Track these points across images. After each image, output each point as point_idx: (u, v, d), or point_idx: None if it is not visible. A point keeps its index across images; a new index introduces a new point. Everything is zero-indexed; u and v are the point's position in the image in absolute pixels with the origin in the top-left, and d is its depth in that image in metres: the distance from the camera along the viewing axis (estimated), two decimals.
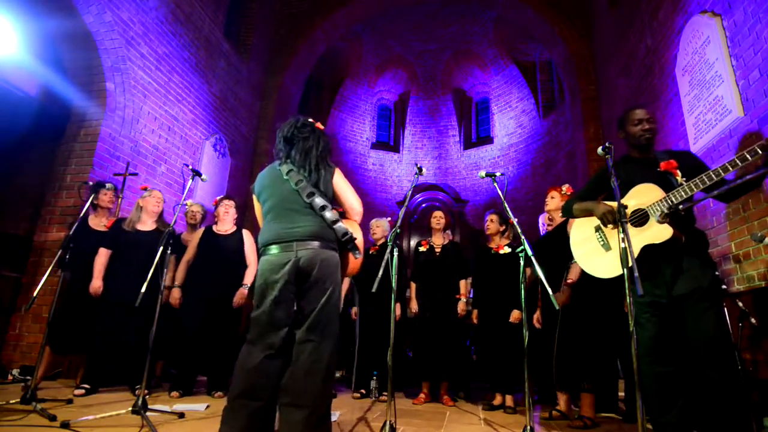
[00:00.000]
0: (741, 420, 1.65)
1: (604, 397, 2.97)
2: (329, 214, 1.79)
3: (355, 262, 1.89)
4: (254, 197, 2.00)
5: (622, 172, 2.01)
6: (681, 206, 1.76)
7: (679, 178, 1.81)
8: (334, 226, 1.79)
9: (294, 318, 1.75)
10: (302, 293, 1.75)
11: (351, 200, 1.94)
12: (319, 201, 1.79)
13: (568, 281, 2.71)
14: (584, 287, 2.77)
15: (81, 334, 3.19)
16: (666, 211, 1.80)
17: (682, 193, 1.75)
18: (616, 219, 1.69)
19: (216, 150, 5.76)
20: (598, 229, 2.04)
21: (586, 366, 2.64)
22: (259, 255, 1.84)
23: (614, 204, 1.99)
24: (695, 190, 1.73)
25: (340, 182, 1.94)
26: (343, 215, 1.95)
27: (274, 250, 1.77)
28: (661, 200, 1.81)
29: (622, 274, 1.62)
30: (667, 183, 1.85)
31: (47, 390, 3.03)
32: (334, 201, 1.94)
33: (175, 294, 3.25)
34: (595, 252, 2.02)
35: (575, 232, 2.18)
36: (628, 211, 1.92)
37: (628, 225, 1.91)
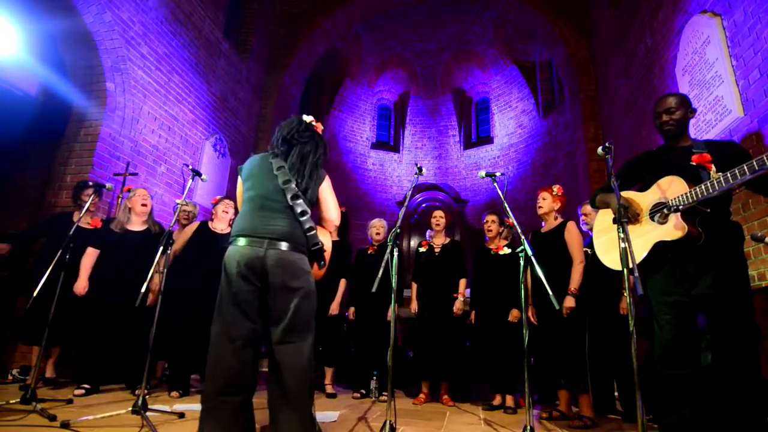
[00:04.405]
0: (756, 425, 1.64)
1: (601, 397, 2.98)
2: (307, 221, 1.78)
3: (316, 271, 1.88)
4: (239, 179, 1.98)
5: (655, 162, 1.99)
6: (682, 207, 1.75)
7: (712, 173, 1.73)
8: (308, 234, 1.79)
9: (264, 317, 1.74)
10: (271, 294, 1.72)
11: (331, 210, 1.95)
12: (300, 205, 1.78)
13: (572, 291, 2.72)
14: (585, 288, 2.77)
15: (52, 327, 3.21)
16: (666, 212, 1.79)
17: (704, 190, 1.68)
18: (616, 219, 1.68)
19: (216, 150, 5.76)
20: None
21: (582, 365, 2.64)
22: (230, 242, 1.81)
23: (632, 196, 1.98)
24: (717, 188, 1.64)
25: (326, 189, 1.95)
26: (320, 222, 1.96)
27: (243, 242, 1.75)
28: (682, 195, 1.76)
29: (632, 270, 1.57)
30: (697, 177, 1.80)
31: (47, 390, 3.03)
32: (315, 206, 1.93)
33: (155, 280, 3.15)
34: (612, 243, 2.01)
35: (599, 219, 2.18)
36: (650, 204, 1.90)
37: (647, 219, 1.90)
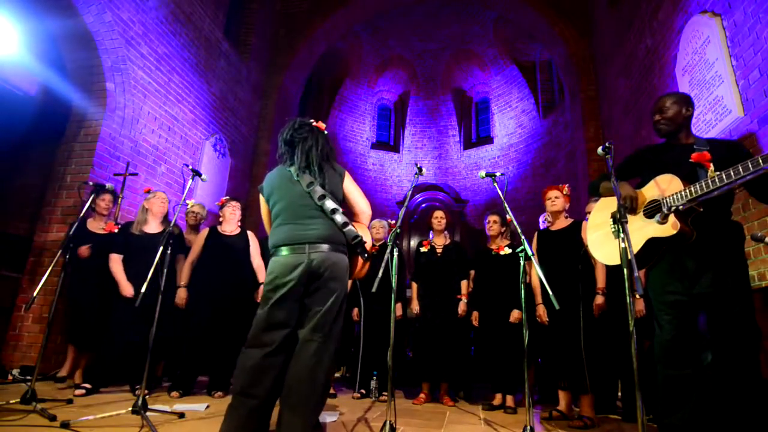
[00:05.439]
0: (757, 425, 1.63)
1: (602, 397, 2.97)
2: (340, 218, 1.82)
3: (362, 265, 1.92)
4: (261, 198, 2.01)
5: (657, 158, 1.98)
6: (682, 207, 1.75)
7: (710, 171, 1.71)
8: (345, 230, 1.82)
9: (298, 318, 1.77)
10: (309, 294, 1.77)
11: (361, 204, 1.98)
12: (330, 204, 1.82)
13: (599, 289, 2.73)
14: (585, 287, 2.77)
15: (92, 332, 3.25)
16: (666, 212, 1.78)
17: (698, 189, 1.67)
18: (616, 219, 1.67)
19: (216, 150, 5.76)
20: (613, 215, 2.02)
21: (585, 366, 2.64)
22: (270, 256, 1.85)
23: (641, 191, 1.97)
24: (711, 187, 1.63)
25: (350, 186, 1.99)
26: (350, 217, 1.98)
27: (285, 251, 1.79)
28: (676, 194, 1.76)
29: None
30: (694, 175, 1.78)
31: (47, 390, 3.03)
32: (343, 203, 1.96)
33: (182, 294, 3.25)
34: (607, 238, 1.99)
35: (594, 215, 2.17)
36: (645, 201, 1.90)
37: (641, 215, 1.90)
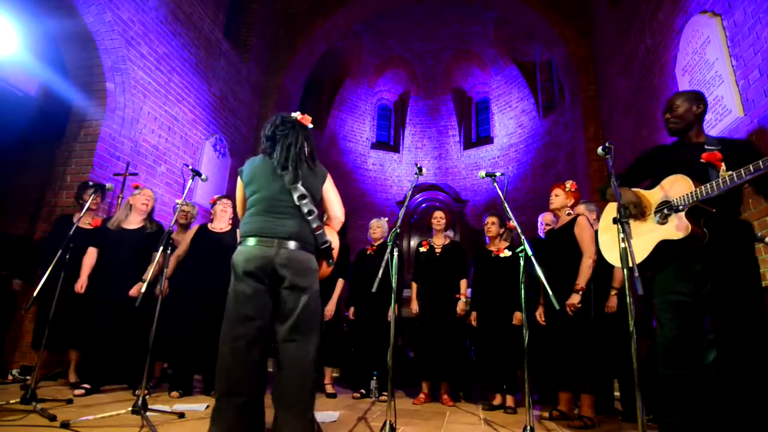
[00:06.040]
0: (760, 425, 1.62)
1: (602, 397, 2.97)
2: (314, 221, 1.82)
3: (325, 269, 1.93)
4: (239, 181, 1.98)
5: (667, 157, 1.97)
6: (682, 207, 1.74)
7: (721, 171, 1.69)
8: (317, 233, 1.83)
9: (272, 316, 1.75)
10: (279, 293, 1.75)
11: (336, 209, 1.99)
12: (307, 205, 1.81)
13: (578, 287, 2.67)
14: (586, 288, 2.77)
15: (68, 331, 3.23)
16: (666, 212, 1.78)
17: (707, 190, 1.66)
18: (616, 219, 1.67)
19: (216, 150, 5.76)
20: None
21: (585, 366, 2.64)
22: (239, 243, 1.84)
23: (640, 193, 1.96)
24: (721, 187, 1.62)
25: (329, 189, 1.99)
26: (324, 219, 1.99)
27: (253, 242, 1.77)
28: (685, 195, 1.74)
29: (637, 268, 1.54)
30: (705, 175, 1.77)
31: (47, 390, 3.03)
32: (320, 205, 1.95)
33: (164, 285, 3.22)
34: (615, 240, 2.00)
35: (604, 218, 2.17)
36: (656, 202, 1.89)
37: (652, 217, 1.90)
